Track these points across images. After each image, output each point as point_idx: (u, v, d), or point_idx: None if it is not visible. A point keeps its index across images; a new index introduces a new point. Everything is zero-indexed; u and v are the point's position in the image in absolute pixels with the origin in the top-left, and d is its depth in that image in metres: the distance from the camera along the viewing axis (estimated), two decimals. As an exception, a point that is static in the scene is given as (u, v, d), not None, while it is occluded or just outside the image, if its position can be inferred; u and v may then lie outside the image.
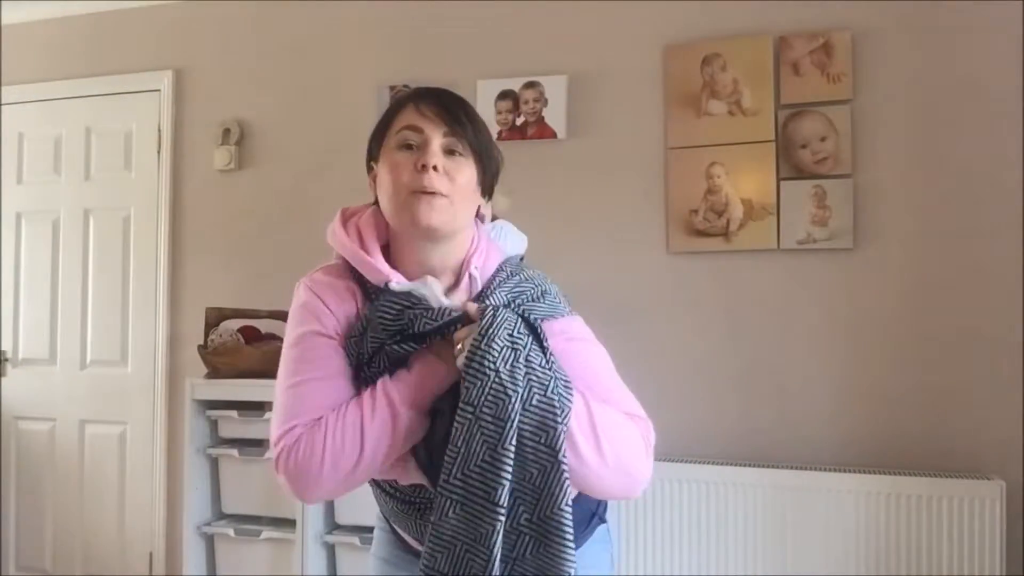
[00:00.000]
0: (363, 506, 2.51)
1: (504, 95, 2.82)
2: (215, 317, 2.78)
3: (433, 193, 1.06)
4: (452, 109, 1.11)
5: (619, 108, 2.73)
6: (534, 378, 0.99)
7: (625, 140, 2.72)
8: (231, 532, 2.76)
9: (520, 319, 1.03)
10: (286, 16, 3.12)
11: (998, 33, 2.40)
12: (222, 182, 3.18)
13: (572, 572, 0.98)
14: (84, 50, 3.37)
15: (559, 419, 0.98)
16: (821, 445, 2.50)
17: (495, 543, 0.96)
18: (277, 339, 2.77)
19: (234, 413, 2.77)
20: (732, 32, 2.62)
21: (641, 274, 2.68)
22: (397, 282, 1.08)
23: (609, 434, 1.03)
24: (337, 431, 1.01)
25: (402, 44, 2.97)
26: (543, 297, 1.13)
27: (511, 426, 0.96)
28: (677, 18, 2.68)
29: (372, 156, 1.17)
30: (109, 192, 3.34)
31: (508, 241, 1.23)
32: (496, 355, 0.97)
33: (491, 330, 0.98)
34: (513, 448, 0.97)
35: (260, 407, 2.72)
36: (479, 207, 1.17)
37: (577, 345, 1.12)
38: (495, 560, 0.96)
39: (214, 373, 2.78)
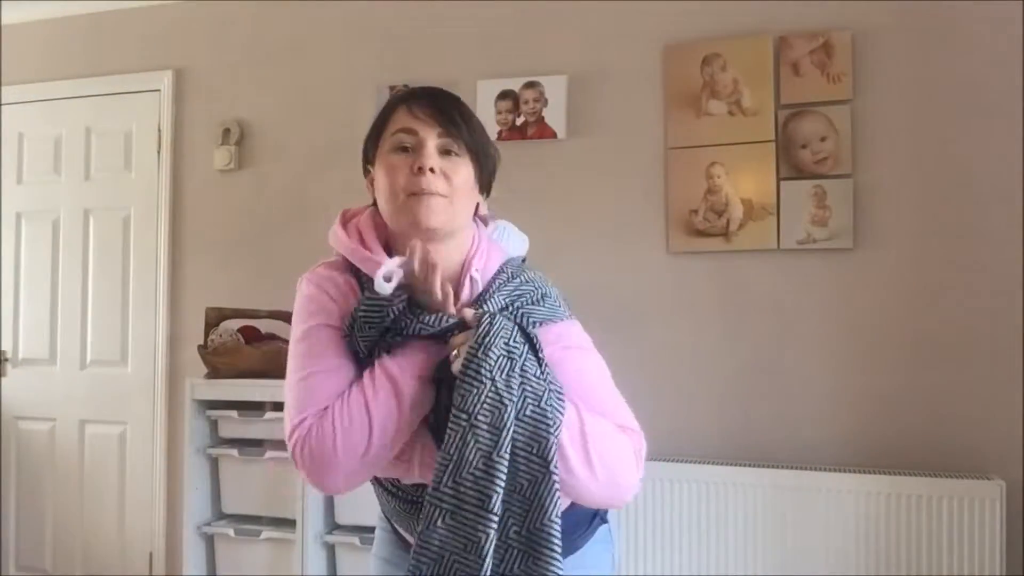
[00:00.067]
0: (363, 506, 2.51)
1: (504, 95, 2.82)
2: (215, 317, 2.78)
3: (431, 194, 1.06)
4: (446, 109, 1.11)
5: (619, 108, 2.73)
6: (528, 388, 0.99)
7: (625, 140, 2.72)
8: (231, 532, 2.76)
9: (516, 327, 1.03)
10: (286, 16, 3.12)
11: (998, 33, 2.40)
12: (222, 182, 3.18)
13: None
14: (84, 50, 3.37)
15: (551, 430, 0.98)
16: (821, 445, 2.50)
17: (487, 552, 0.95)
18: (277, 339, 2.77)
19: (234, 413, 2.77)
20: (732, 32, 2.62)
21: (641, 274, 2.68)
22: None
23: (599, 447, 1.03)
24: (344, 413, 1.01)
25: (402, 44, 2.97)
26: (543, 300, 1.13)
27: (507, 434, 0.96)
28: (677, 18, 2.68)
29: (368, 159, 1.17)
30: (109, 192, 3.34)
31: (510, 242, 1.23)
32: (492, 363, 0.97)
33: (487, 338, 0.98)
34: (508, 457, 0.97)
35: (260, 407, 2.72)
36: (477, 205, 1.17)
37: (573, 353, 1.11)
38: (487, 571, 0.95)
39: (214, 373, 2.78)
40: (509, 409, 0.97)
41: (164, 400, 3.19)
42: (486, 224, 1.22)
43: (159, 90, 3.26)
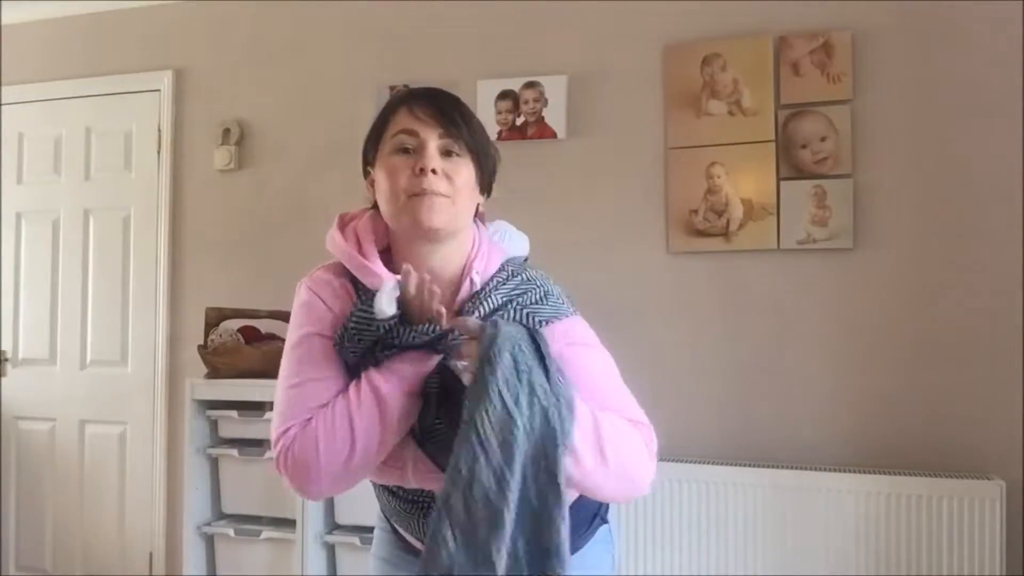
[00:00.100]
0: (363, 506, 2.51)
1: (504, 95, 2.82)
2: (215, 317, 2.78)
3: (433, 194, 1.06)
4: (446, 110, 1.10)
5: (619, 108, 2.73)
6: (537, 403, 0.97)
7: (625, 140, 2.72)
8: (231, 532, 2.76)
9: (524, 331, 1.01)
10: (286, 16, 3.12)
11: (998, 33, 2.40)
12: (222, 182, 3.18)
13: None
14: (84, 50, 3.37)
15: (559, 445, 0.98)
16: (821, 445, 2.50)
17: (500, 569, 0.94)
18: (277, 339, 2.77)
19: (234, 413, 2.77)
20: (732, 32, 2.62)
21: (641, 274, 2.68)
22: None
23: (612, 443, 1.03)
24: (328, 425, 1.01)
25: (402, 44, 2.97)
26: (546, 299, 1.13)
27: (517, 452, 0.95)
28: (677, 18, 2.68)
29: (368, 161, 1.17)
30: (109, 192, 3.34)
31: (511, 243, 1.23)
32: (500, 380, 0.96)
33: (493, 350, 0.97)
34: (518, 473, 0.96)
35: (260, 407, 2.72)
36: (478, 206, 1.17)
37: (579, 350, 1.11)
38: None
39: (214, 373, 2.78)
40: (520, 424, 0.96)
41: (164, 400, 3.19)
42: (484, 223, 1.22)
43: (159, 90, 3.26)
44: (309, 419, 1.03)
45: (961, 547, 2.24)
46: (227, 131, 3.14)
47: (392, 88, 2.90)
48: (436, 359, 1.03)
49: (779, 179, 2.54)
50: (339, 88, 3.03)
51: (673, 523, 2.46)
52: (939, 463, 2.39)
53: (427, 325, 1.02)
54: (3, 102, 3.45)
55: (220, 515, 2.88)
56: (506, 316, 1.08)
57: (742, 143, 2.58)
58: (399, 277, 1.04)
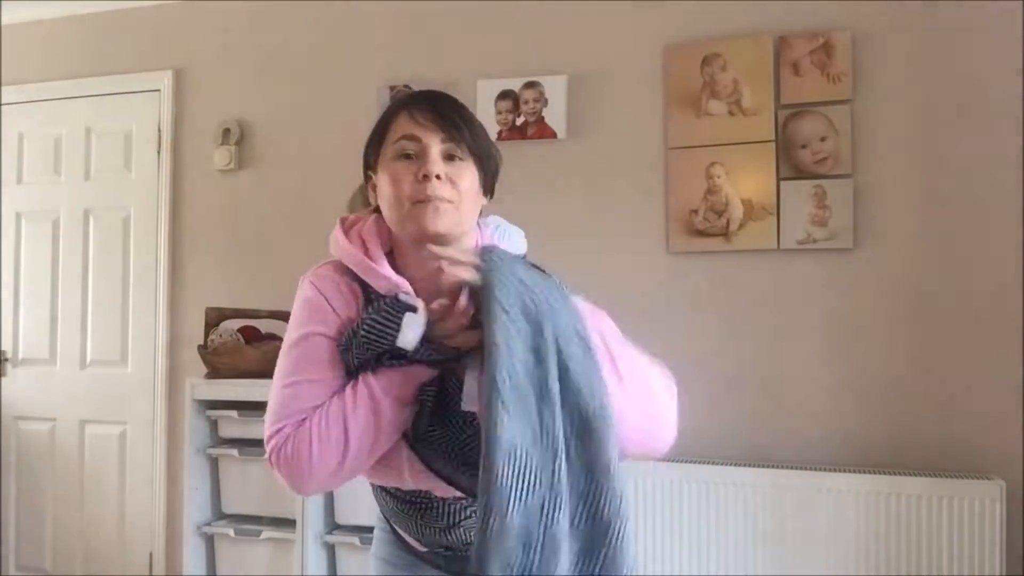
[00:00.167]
0: (363, 506, 2.51)
1: (504, 95, 2.82)
2: (215, 317, 2.78)
3: (438, 200, 1.05)
4: (447, 114, 1.09)
5: (619, 108, 2.73)
6: (544, 295, 1.00)
7: (625, 140, 2.72)
8: (231, 532, 2.76)
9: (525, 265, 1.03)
10: (286, 16, 3.12)
11: (998, 33, 2.40)
12: (222, 182, 3.18)
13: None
14: (84, 50, 3.37)
15: (580, 317, 1.01)
16: (821, 445, 2.50)
17: (558, 435, 0.94)
18: (277, 339, 2.77)
19: (234, 413, 2.77)
20: (732, 32, 2.62)
21: (641, 274, 2.68)
22: (407, 293, 1.05)
23: (627, 362, 1.02)
24: (322, 428, 1.01)
25: (402, 44, 2.97)
26: None
27: (546, 321, 0.97)
28: (677, 18, 2.68)
29: (368, 165, 1.16)
30: (109, 192, 3.34)
31: (511, 241, 1.23)
32: (508, 278, 0.98)
33: (494, 258, 1.00)
34: (553, 341, 0.97)
35: (260, 407, 2.66)
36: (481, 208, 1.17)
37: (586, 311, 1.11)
38: (561, 458, 0.93)
39: (214, 373, 2.78)
40: (540, 295, 0.97)
41: (164, 400, 3.19)
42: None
43: (159, 90, 3.26)
44: (303, 419, 1.03)
45: (961, 547, 2.24)
46: (227, 131, 3.14)
47: (392, 88, 2.90)
48: (436, 370, 1.03)
49: (779, 179, 2.54)
50: (339, 88, 3.03)
51: (673, 523, 2.46)
52: (939, 463, 2.39)
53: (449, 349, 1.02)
54: (3, 102, 3.45)
55: (220, 515, 2.88)
56: None
57: (742, 143, 2.58)
58: (420, 303, 1.02)
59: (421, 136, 1.08)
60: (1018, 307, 2.36)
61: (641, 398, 1.02)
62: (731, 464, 2.47)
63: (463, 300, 0.99)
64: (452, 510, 1.13)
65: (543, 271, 1.12)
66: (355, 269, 1.10)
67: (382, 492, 1.19)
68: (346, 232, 1.14)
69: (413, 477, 1.09)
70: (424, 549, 1.21)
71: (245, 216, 3.14)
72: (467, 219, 1.10)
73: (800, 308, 2.54)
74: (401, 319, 1.00)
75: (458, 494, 1.09)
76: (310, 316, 1.09)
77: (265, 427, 1.06)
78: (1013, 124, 2.38)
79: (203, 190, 3.20)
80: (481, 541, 0.90)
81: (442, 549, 1.18)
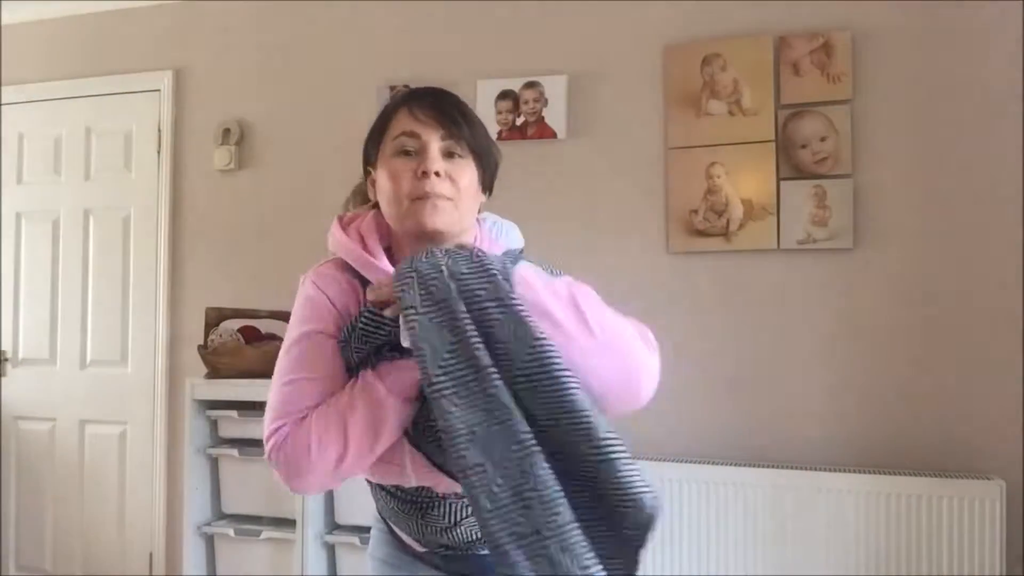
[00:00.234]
0: (363, 506, 2.51)
1: (504, 95, 2.82)
2: (215, 317, 2.78)
3: (436, 197, 1.06)
4: (447, 111, 1.09)
5: (619, 108, 2.73)
6: (465, 263, 0.98)
7: (625, 140, 2.72)
8: (231, 532, 2.76)
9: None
10: (286, 16, 3.12)
11: (998, 33, 2.40)
12: (222, 182, 3.18)
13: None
14: (84, 50, 3.37)
15: (496, 271, 0.98)
16: (821, 445, 2.50)
17: (509, 403, 0.93)
18: (277, 339, 2.77)
19: (234, 413, 2.77)
20: (732, 32, 2.62)
21: (641, 274, 2.68)
22: None
23: (594, 311, 1.01)
24: (321, 427, 1.01)
25: (402, 44, 2.97)
26: None
27: (453, 284, 0.96)
28: (677, 18, 2.68)
29: (368, 161, 1.16)
30: (109, 192, 3.34)
31: (509, 237, 1.23)
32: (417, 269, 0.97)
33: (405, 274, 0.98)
34: (465, 311, 0.95)
35: (260, 407, 2.68)
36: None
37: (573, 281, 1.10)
38: (520, 423, 0.93)
39: (214, 373, 2.78)
40: (461, 279, 0.96)
41: (164, 400, 3.19)
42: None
43: (159, 90, 3.26)
44: (303, 417, 1.03)
45: (961, 547, 2.24)
46: (227, 131, 3.14)
47: (392, 88, 2.90)
48: None
49: (779, 179, 2.54)
50: (339, 88, 3.03)
51: (673, 523, 2.46)
52: (939, 463, 2.39)
53: None
54: (3, 102, 3.45)
55: (220, 515, 2.88)
56: None
57: (742, 143, 2.58)
58: None
59: (421, 133, 1.08)
60: (1018, 307, 2.36)
61: (617, 350, 1.01)
62: (731, 464, 2.47)
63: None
64: (453, 509, 1.13)
65: (532, 262, 1.12)
66: (354, 264, 1.10)
67: (382, 492, 1.19)
68: (344, 228, 1.14)
69: (416, 473, 1.08)
70: (423, 549, 1.21)
71: (245, 216, 3.14)
72: (466, 217, 1.11)
73: (800, 308, 2.54)
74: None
75: (459, 491, 1.09)
76: (311, 314, 1.09)
77: (264, 425, 1.05)
78: (1013, 124, 2.38)
79: (203, 190, 3.20)
80: (482, 524, 0.91)
81: (441, 549, 1.18)
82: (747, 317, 2.59)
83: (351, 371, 1.06)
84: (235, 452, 2.77)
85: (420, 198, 1.06)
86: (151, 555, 3.20)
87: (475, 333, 0.94)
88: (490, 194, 1.18)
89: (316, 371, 1.06)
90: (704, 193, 2.61)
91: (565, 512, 0.91)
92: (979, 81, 2.41)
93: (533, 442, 0.92)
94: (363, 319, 1.04)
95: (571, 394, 0.93)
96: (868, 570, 2.30)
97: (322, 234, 1.17)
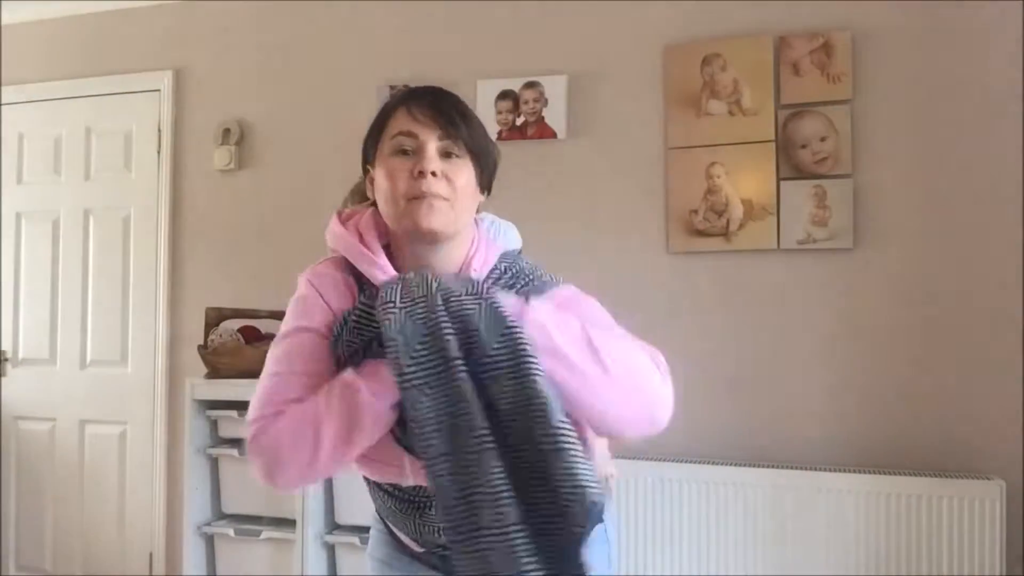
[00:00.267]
0: (363, 506, 2.49)
1: (504, 95, 2.82)
2: (215, 317, 2.78)
3: (433, 197, 1.06)
4: (445, 110, 1.09)
5: (619, 108, 2.73)
6: (455, 307, 0.98)
7: (625, 140, 2.72)
8: (231, 532, 2.76)
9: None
10: (286, 16, 3.12)
11: (998, 33, 2.40)
12: (222, 182, 3.18)
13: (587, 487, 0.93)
14: (84, 50, 3.37)
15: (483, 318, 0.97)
16: (821, 445, 2.50)
17: (492, 467, 0.93)
18: (277, 339, 2.77)
19: (234, 413, 2.77)
20: (732, 32, 2.62)
21: (641, 274, 2.68)
22: None
23: (607, 346, 1.00)
24: (294, 426, 1.00)
25: (402, 44, 2.97)
26: (533, 283, 1.13)
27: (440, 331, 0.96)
28: (677, 18, 2.68)
29: (367, 159, 1.17)
30: (109, 192, 3.34)
31: (506, 236, 1.23)
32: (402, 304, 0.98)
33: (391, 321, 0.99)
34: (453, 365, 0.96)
35: None
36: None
37: (573, 300, 1.11)
38: (501, 485, 0.93)
39: (214, 373, 2.78)
40: (432, 282, 0.99)
41: (164, 400, 3.19)
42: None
43: (159, 90, 3.26)
44: (281, 412, 1.02)
45: (961, 547, 2.24)
46: (227, 131, 3.14)
47: (392, 88, 2.90)
48: None
49: (779, 179, 2.54)
50: (339, 88, 3.03)
51: (673, 523, 2.46)
52: (939, 463, 2.39)
53: None
54: (3, 102, 3.45)
55: (220, 515, 2.88)
56: None
57: (742, 143, 2.58)
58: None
59: (418, 133, 1.08)
60: (1018, 307, 2.36)
61: (632, 385, 1.01)
62: (731, 464, 2.47)
63: None
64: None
65: (529, 274, 1.14)
66: (351, 258, 1.11)
67: (380, 492, 1.19)
68: (343, 224, 1.15)
69: (415, 472, 1.08)
70: (421, 549, 1.21)
71: (245, 216, 3.14)
72: (463, 217, 1.10)
73: (800, 308, 2.54)
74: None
75: None
76: (303, 312, 1.11)
77: (247, 416, 1.05)
78: (1013, 124, 2.38)
79: (203, 190, 3.20)
80: (439, 514, 0.95)
81: (439, 549, 1.18)
82: (747, 317, 2.59)
83: (341, 367, 1.06)
84: (235, 452, 2.77)
85: (416, 198, 1.06)
86: (151, 555, 3.20)
87: (448, 325, 0.96)
88: (489, 194, 1.18)
89: (300, 366, 1.06)
90: (704, 193, 2.61)
91: (511, 512, 0.92)
92: (979, 81, 2.41)
93: (489, 439, 0.94)
94: (356, 312, 1.04)
95: (534, 379, 0.94)
96: (868, 570, 2.30)
97: (322, 234, 1.17)
